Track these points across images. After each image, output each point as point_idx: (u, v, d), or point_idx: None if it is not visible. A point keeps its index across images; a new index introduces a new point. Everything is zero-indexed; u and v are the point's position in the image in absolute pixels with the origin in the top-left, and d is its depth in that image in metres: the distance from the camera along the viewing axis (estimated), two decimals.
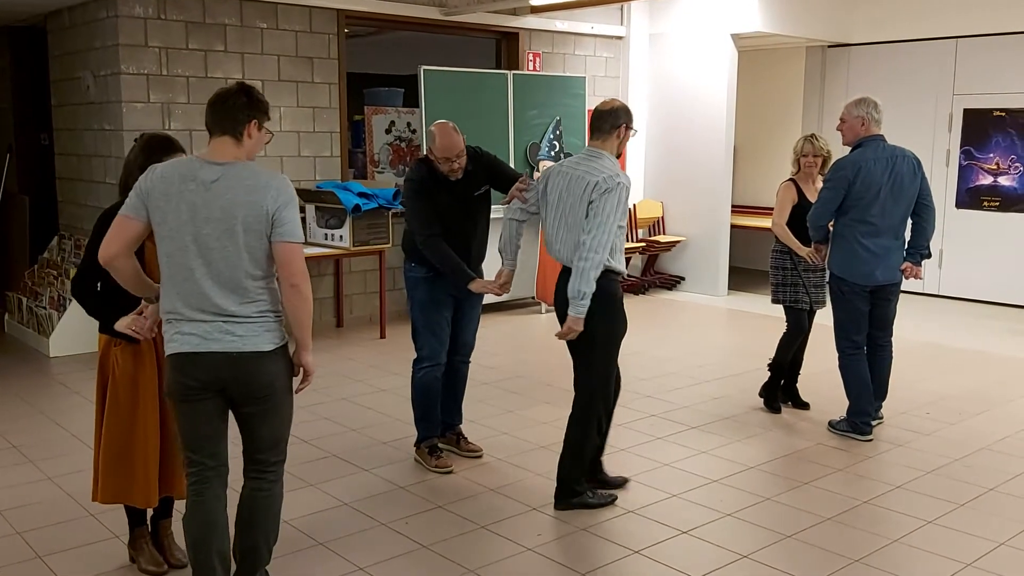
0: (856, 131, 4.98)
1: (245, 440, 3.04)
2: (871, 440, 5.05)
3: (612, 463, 4.69)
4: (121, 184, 3.33)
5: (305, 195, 7.34)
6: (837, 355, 5.13)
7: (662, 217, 9.93)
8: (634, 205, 9.82)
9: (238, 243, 2.83)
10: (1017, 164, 8.89)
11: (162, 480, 3.41)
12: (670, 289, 9.85)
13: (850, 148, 5.02)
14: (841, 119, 5.04)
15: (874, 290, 5.04)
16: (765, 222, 9.01)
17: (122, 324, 3.18)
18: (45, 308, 7.05)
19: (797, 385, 5.67)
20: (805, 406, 5.60)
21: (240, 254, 2.84)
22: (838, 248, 5.05)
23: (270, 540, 3.12)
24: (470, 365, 4.83)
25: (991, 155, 9.05)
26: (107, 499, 3.41)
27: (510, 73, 8.50)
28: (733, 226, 9.70)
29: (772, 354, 5.59)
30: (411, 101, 8.55)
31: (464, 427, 4.89)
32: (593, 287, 3.80)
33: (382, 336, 7.57)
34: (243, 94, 2.92)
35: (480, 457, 4.76)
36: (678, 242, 9.76)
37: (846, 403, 5.17)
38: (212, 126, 2.91)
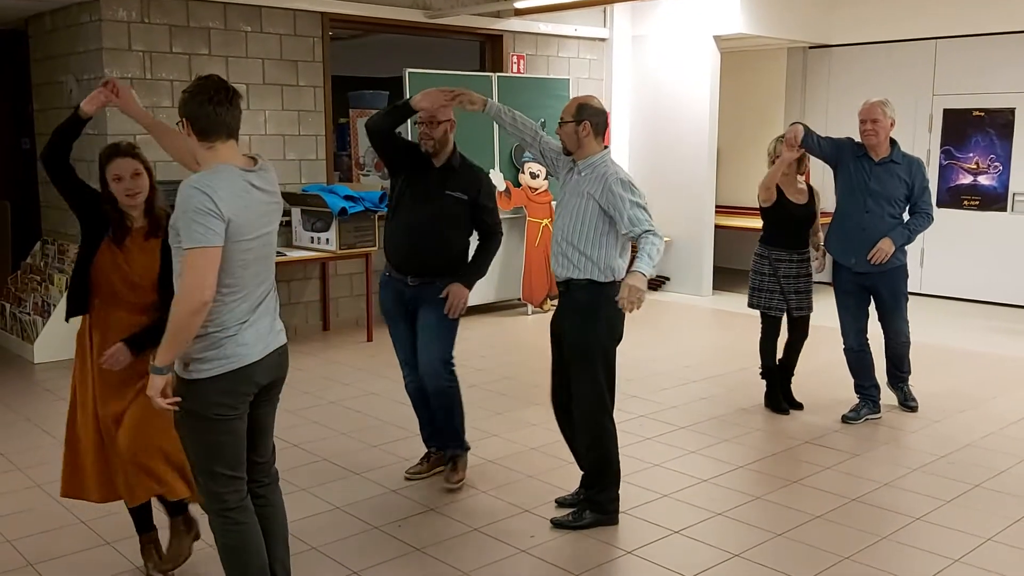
0: (887, 131, 5.14)
1: (259, 446, 2.99)
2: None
3: None
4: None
5: (291, 198, 7.33)
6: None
7: None
8: None
9: (276, 239, 2.96)
10: (996, 163, 8.99)
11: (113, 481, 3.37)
12: (655, 290, 9.89)
13: (874, 148, 5.16)
14: (874, 120, 5.08)
15: (867, 282, 5.27)
16: (749, 222, 9.08)
17: None
18: (29, 314, 7.00)
19: (791, 385, 5.69)
20: (799, 406, 5.62)
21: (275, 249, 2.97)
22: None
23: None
24: (445, 381, 4.32)
25: (971, 155, 9.15)
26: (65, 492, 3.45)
27: (494, 75, 8.51)
28: (717, 226, 9.75)
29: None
30: None
31: None
32: None
33: (369, 339, 7.56)
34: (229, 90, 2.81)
35: (455, 491, 4.37)
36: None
37: (839, 401, 5.28)
38: (217, 129, 2.74)
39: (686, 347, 7.49)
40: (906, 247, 5.26)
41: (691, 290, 9.63)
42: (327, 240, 7.24)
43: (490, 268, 4.49)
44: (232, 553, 2.89)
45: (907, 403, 5.60)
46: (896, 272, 5.24)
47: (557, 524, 3.97)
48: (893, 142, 5.20)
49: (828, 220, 5.46)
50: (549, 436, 5.12)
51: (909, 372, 5.60)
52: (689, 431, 5.27)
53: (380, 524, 4.00)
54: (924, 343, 7.44)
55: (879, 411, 5.46)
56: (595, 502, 3.99)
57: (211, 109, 2.72)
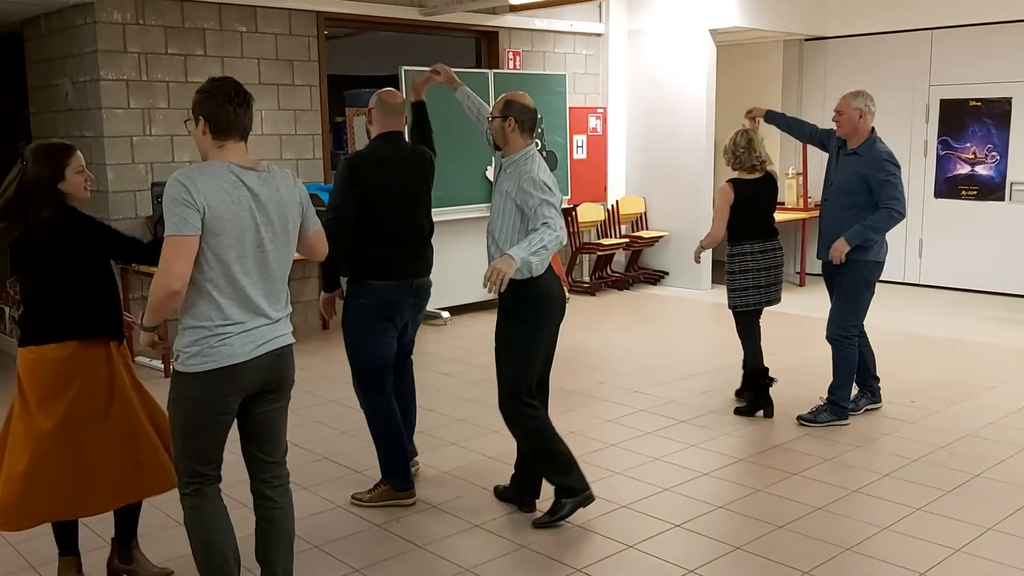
0: (855, 123, 5.04)
1: (265, 444, 2.99)
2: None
3: (603, 458, 4.73)
4: (8, 201, 3.14)
5: None
6: (846, 341, 5.17)
7: (644, 213, 9.98)
8: (617, 201, 9.88)
9: (289, 243, 2.91)
10: (994, 153, 8.99)
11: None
12: (654, 284, 9.90)
13: (847, 139, 5.11)
14: (838, 111, 5.09)
15: (832, 272, 5.20)
16: None
17: (147, 345, 2.94)
18: None
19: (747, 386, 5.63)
20: (745, 411, 5.46)
21: (289, 254, 2.93)
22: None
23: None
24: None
25: (968, 145, 9.15)
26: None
27: (491, 72, 8.51)
28: None
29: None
30: None
31: (452, 425, 4.85)
32: None
33: None
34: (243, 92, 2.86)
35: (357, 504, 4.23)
36: (661, 237, 9.81)
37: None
38: (234, 129, 2.80)
39: (685, 341, 7.49)
40: (871, 243, 5.00)
41: (690, 284, 9.63)
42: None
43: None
44: (191, 533, 2.94)
45: (802, 416, 5.24)
46: (854, 266, 5.03)
47: (538, 525, 3.93)
48: (872, 133, 5.09)
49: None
50: None
51: (834, 389, 5.19)
52: (689, 425, 5.28)
53: (381, 522, 4.00)
54: (923, 333, 7.46)
55: (879, 401, 5.46)
56: (561, 489, 3.96)
57: (231, 109, 2.78)
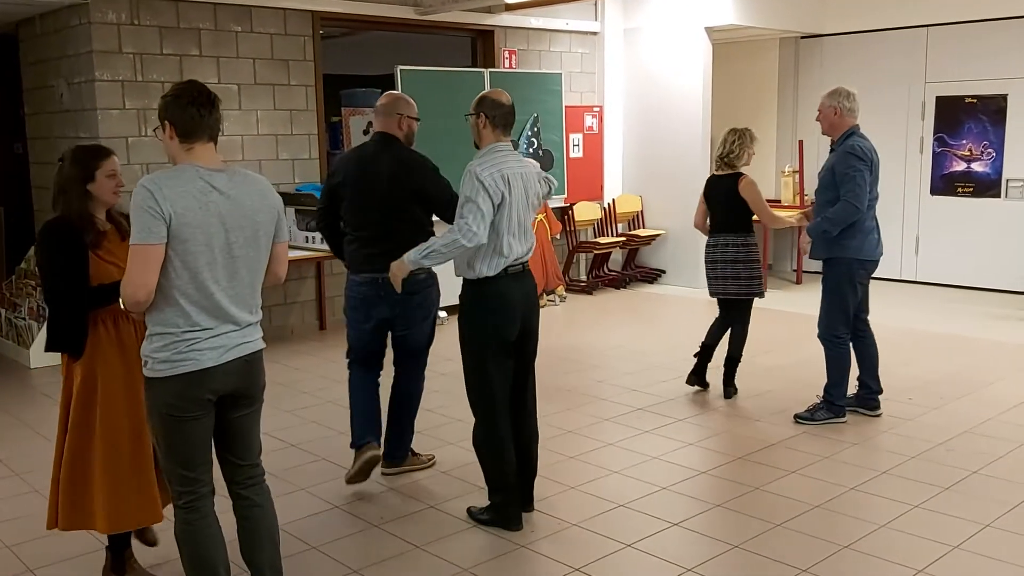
0: (831, 120, 5.07)
1: (238, 449, 2.98)
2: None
3: (601, 457, 4.73)
4: (55, 200, 3.27)
5: (285, 198, 7.31)
6: (836, 341, 5.16)
7: (641, 211, 9.98)
8: (613, 200, 9.88)
9: (260, 248, 2.86)
10: (990, 150, 8.99)
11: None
12: (651, 282, 9.90)
13: (829, 138, 5.16)
14: (818, 110, 5.17)
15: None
16: None
17: None
18: (24, 319, 6.99)
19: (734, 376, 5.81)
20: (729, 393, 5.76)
21: (260, 259, 2.88)
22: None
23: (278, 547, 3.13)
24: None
25: (964, 141, 9.16)
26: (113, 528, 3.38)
27: (486, 71, 8.50)
28: None
29: (744, 344, 5.78)
30: None
31: (450, 425, 4.87)
32: None
33: None
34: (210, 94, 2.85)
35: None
36: (658, 235, 9.81)
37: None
38: (201, 131, 2.78)
39: (682, 339, 7.48)
40: (829, 235, 4.96)
41: (686, 282, 9.62)
42: (322, 239, 7.21)
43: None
44: (181, 546, 2.93)
45: (799, 414, 5.25)
46: (834, 263, 5.06)
47: (468, 511, 4.04)
48: (851, 129, 5.03)
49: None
50: (544, 432, 5.12)
51: (828, 388, 5.19)
52: (687, 423, 5.28)
53: (380, 522, 4.00)
54: (920, 330, 7.47)
55: (873, 409, 5.29)
56: (490, 503, 3.97)
57: (195, 112, 2.76)
